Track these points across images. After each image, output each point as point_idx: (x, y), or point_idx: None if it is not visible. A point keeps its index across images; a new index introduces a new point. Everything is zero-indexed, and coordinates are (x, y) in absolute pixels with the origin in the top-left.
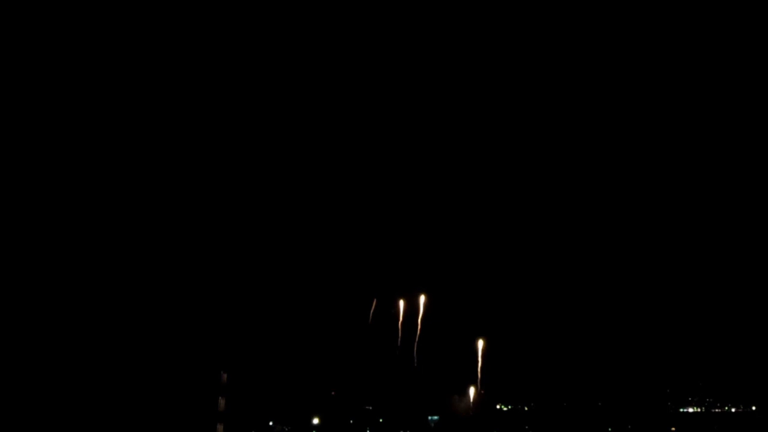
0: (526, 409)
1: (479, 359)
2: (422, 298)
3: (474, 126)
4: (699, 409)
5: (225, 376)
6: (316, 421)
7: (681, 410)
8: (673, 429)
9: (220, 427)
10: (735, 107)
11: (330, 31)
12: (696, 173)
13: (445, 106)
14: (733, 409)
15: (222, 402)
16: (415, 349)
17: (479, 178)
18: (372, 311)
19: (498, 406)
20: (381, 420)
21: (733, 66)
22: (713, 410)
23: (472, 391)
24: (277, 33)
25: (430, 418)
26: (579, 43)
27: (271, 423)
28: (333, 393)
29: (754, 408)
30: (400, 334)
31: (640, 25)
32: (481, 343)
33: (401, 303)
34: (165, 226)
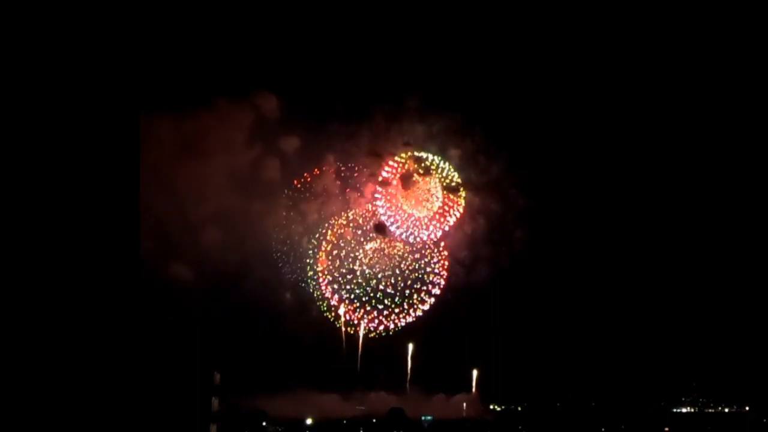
0: (519, 409)
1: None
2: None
3: None
4: (692, 409)
5: (218, 376)
6: (309, 421)
7: (674, 410)
8: (667, 429)
9: (213, 428)
10: (735, 107)
11: None
12: (692, 173)
13: None
14: (726, 410)
15: (215, 402)
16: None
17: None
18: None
19: (491, 407)
20: (374, 420)
21: (733, 66)
22: (706, 410)
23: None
24: None
25: (423, 418)
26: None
27: (264, 423)
28: (327, 394)
29: (747, 408)
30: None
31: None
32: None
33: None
34: (158, 223)
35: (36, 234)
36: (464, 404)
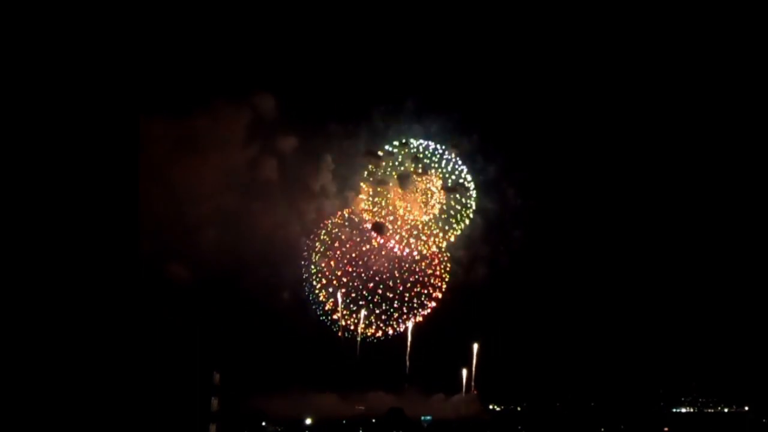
0: (518, 409)
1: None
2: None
3: None
4: (692, 409)
5: (218, 376)
6: (308, 421)
7: (674, 410)
8: (666, 429)
9: (212, 428)
10: (735, 107)
11: None
12: (691, 173)
13: None
14: (725, 410)
15: (215, 402)
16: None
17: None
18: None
19: (491, 407)
20: (374, 420)
21: (733, 66)
22: (706, 410)
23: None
24: None
25: (423, 418)
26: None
27: (263, 423)
28: (326, 393)
29: (746, 408)
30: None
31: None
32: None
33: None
34: (157, 224)
35: (35, 234)
36: (463, 404)
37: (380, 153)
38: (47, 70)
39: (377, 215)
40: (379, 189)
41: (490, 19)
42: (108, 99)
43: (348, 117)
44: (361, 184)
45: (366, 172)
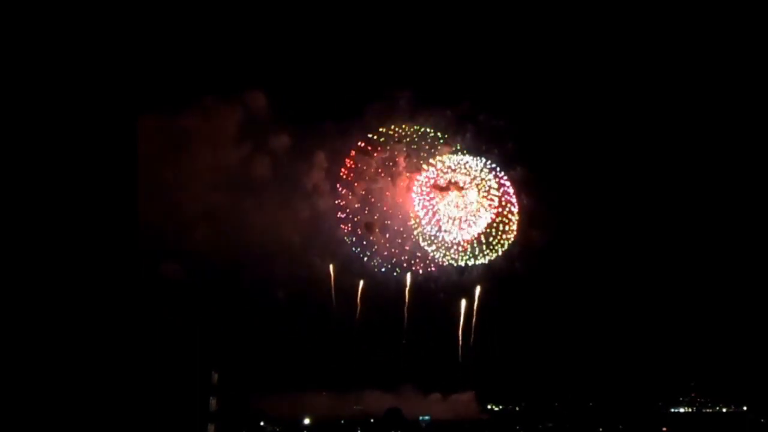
0: (517, 409)
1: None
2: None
3: None
4: (690, 409)
5: (216, 376)
6: (307, 421)
7: (672, 410)
8: (665, 429)
9: (211, 428)
10: (735, 107)
11: None
12: (690, 172)
13: None
14: (724, 410)
15: (213, 402)
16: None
17: None
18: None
19: (489, 406)
20: (372, 420)
21: (733, 66)
22: (704, 410)
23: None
24: None
25: (421, 418)
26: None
27: (262, 423)
28: (324, 393)
29: (745, 408)
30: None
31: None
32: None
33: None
34: (156, 224)
35: (35, 233)
36: (461, 404)
37: (362, 144)
38: (47, 72)
39: (366, 217)
40: (363, 192)
41: (487, 15)
42: (105, 99)
43: (341, 114)
44: (338, 186)
45: (343, 170)
